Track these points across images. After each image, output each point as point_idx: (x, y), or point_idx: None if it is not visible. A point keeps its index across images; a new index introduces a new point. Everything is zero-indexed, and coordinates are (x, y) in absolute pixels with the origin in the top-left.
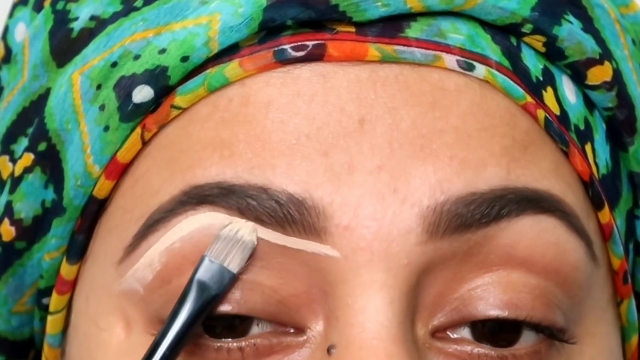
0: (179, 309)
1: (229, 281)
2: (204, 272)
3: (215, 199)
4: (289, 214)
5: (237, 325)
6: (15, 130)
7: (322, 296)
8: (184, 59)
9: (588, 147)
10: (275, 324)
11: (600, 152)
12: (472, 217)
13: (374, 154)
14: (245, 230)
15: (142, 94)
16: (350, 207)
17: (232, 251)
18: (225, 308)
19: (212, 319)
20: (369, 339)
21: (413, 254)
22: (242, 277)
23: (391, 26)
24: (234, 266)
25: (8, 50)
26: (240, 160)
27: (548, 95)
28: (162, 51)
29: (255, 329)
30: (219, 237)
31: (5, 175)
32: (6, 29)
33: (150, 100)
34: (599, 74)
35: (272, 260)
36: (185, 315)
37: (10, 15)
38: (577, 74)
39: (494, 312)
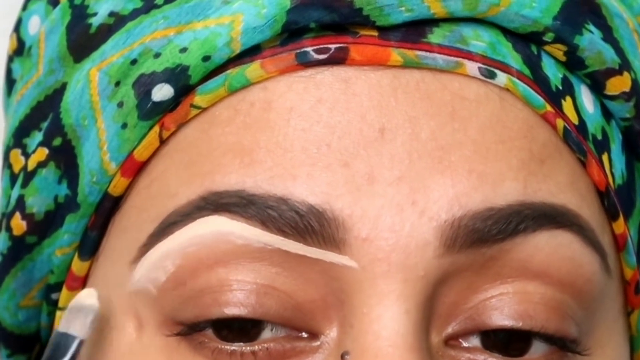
0: None
1: (76, 346)
2: (53, 345)
3: (234, 208)
4: (309, 225)
5: (249, 329)
6: (28, 124)
7: (338, 304)
8: (206, 58)
9: (605, 157)
10: (289, 328)
11: (616, 163)
12: (488, 233)
13: (394, 164)
14: (84, 296)
15: (162, 92)
16: (370, 219)
17: (75, 318)
18: (240, 311)
19: (225, 323)
20: (384, 346)
21: (430, 266)
22: (258, 282)
23: (414, 31)
24: (76, 331)
25: (21, 43)
26: (261, 168)
27: (567, 105)
28: (183, 50)
29: (267, 334)
30: (66, 310)
31: (17, 169)
32: (19, 22)
33: (170, 99)
34: (618, 84)
35: (289, 268)
36: None
37: (24, 8)
38: (596, 83)
39: (508, 322)
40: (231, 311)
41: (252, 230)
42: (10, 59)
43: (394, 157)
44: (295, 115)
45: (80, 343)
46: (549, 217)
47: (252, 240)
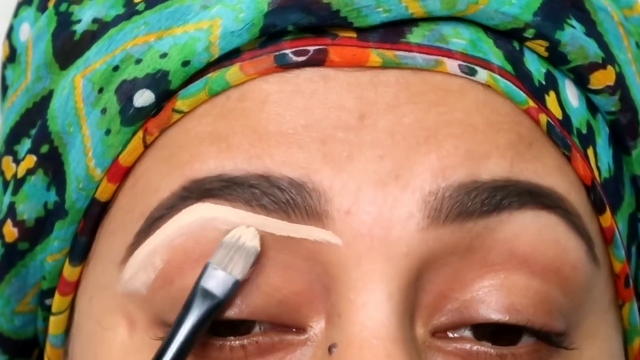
0: (184, 316)
1: (232, 287)
2: (208, 279)
3: (217, 192)
4: (291, 199)
5: (239, 324)
6: (18, 131)
7: (324, 292)
8: (185, 63)
9: (590, 151)
10: (276, 325)
11: (602, 156)
12: (473, 205)
13: (375, 145)
14: (247, 236)
15: (144, 98)
16: (351, 192)
17: (235, 258)
18: (227, 314)
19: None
20: (368, 338)
21: (413, 241)
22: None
23: (392, 31)
24: (237, 273)
25: (12, 50)
26: (238, 151)
27: (550, 100)
28: (164, 55)
29: (257, 328)
30: (221, 244)
31: (9, 176)
32: (11, 29)
33: (152, 104)
34: (602, 78)
35: (274, 257)
36: (191, 322)
37: (15, 14)
38: (580, 78)
39: (495, 316)
40: (218, 315)
41: (237, 212)
42: (4, 66)
43: (375, 139)
44: (270, 102)
45: (237, 285)
46: (533, 195)
47: (237, 224)
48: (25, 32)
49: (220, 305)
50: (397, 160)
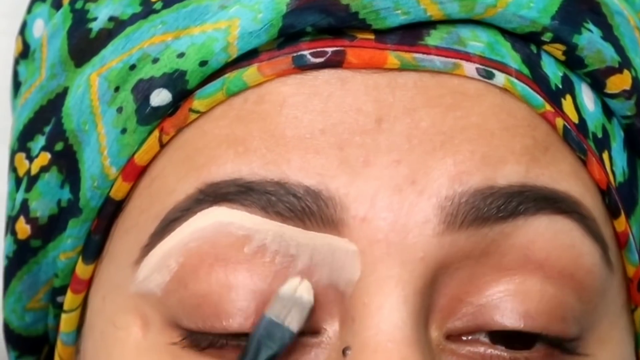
0: None
1: (289, 340)
2: (266, 331)
3: (233, 197)
4: (307, 207)
5: None
6: (32, 128)
7: (338, 296)
8: (203, 63)
9: (605, 155)
10: None
11: (617, 160)
12: (489, 211)
13: (391, 149)
14: (304, 290)
15: (160, 97)
16: (367, 199)
17: (292, 310)
18: (241, 327)
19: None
20: (383, 341)
21: (429, 246)
22: (255, 289)
23: (411, 34)
24: (294, 326)
25: (26, 46)
26: (255, 156)
27: (567, 103)
28: (181, 55)
29: None
30: (277, 296)
31: (21, 173)
32: (24, 25)
33: (168, 103)
34: (618, 83)
35: (288, 264)
36: None
37: (29, 11)
38: (597, 82)
39: (510, 324)
40: (232, 326)
41: (252, 218)
42: (16, 62)
43: (392, 143)
44: (288, 105)
45: (293, 337)
46: (549, 201)
47: (252, 231)
48: (39, 29)
49: (275, 357)
50: (413, 166)
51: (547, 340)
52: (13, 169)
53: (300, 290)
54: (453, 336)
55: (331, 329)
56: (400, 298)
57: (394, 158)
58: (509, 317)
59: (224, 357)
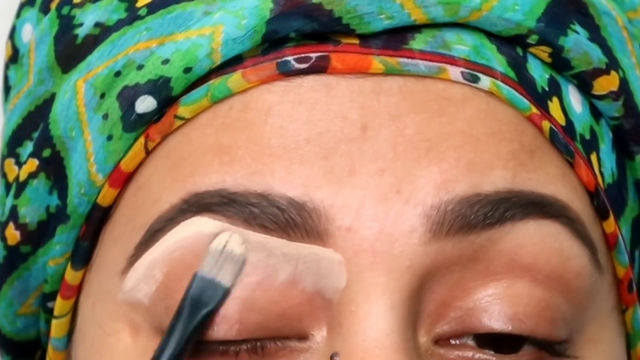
0: (175, 326)
1: (222, 296)
2: (197, 289)
3: (216, 207)
4: (290, 219)
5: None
6: (20, 134)
7: (325, 303)
8: (187, 70)
9: (593, 157)
10: (275, 339)
11: (605, 161)
12: (476, 218)
13: (377, 158)
14: (234, 243)
15: (145, 104)
16: (352, 209)
17: (224, 265)
18: (226, 335)
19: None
20: (371, 348)
21: (416, 254)
22: (240, 296)
23: (395, 38)
24: (226, 280)
25: (15, 50)
26: (240, 166)
27: (554, 106)
28: (166, 62)
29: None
30: (208, 252)
31: (11, 178)
32: (13, 29)
33: (154, 110)
34: (605, 84)
35: (272, 273)
36: (181, 332)
37: (18, 15)
38: (584, 84)
39: (498, 326)
40: (216, 335)
41: (235, 230)
42: (7, 66)
43: (377, 151)
44: (273, 114)
45: (228, 293)
46: (537, 205)
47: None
48: (27, 33)
49: (211, 313)
50: (398, 174)
51: (536, 342)
52: (3, 174)
53: (231, 244)
54: (442, 341)
55: (319, 334)
56: (388, 305)
57: (379, 167)
58: (497, 320)
59: (210, 356)
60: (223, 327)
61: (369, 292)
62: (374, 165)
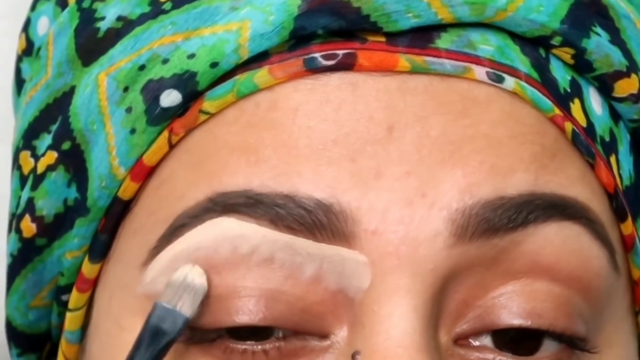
0: (134, 355)
1: (182, 325)
2: (157, 318)
3: (242, 208)
4: (317, 220)
5: (260, 329)
6: (37, 126)
7: (348, 302)
8: (214, 64)
9: (612, 159)
10: (298, 332)
11: (624, 164)
12: (499, 222)
13: (402, 160)
14: (194, 274)
15: (170, 98)
16: (378, 212)
17: (184, 295)
18: (251, 320)
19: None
20: (393, 347)
21: (440, 258)
22: (266, 287)
23: (421, 37)
24: (186, 310)
25: (30, 43)
26: (267, 166)
27: (575, 107)
28: (191, 56)
29: (277, 332)
30: (169, 284)
31: (26, 171)
32: (28, 22)
33: (178, 104)
34: (625, 87)
35: (298, 269)
36: None
37: (33, 8)
38: (604, 86)
39: (517, 321)
40: (241, 320)
41: (262, 230)
42: (20, 59)
43: (402, 153)
44: (301, 114)
45: (187, 322)
46: (558, 208)
47: (262, 242)
48: (43, 26)
49: (171, 343)
50: (423, 177)
51: (555, 336)
52: (18, 166)
53: (191, 275)
54: (461, 341)
55: (340, 334)
56: (410, 306)
57: (404, 169)
58: (515, 315)
59: (231, 355)
60: (248, 315)
61: (393, 293)
62: (399, 167)
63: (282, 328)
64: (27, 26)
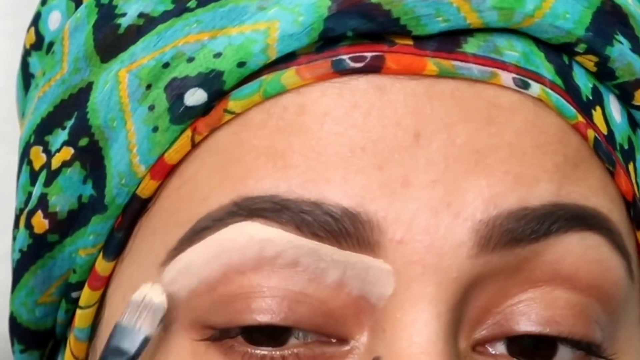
0: None
1: (141, 344)
2: (117, 338)
3: (267, 214)
4: (343, 228)
5: (279, 334)
6: (51, 122)
7: (370, 309)
8: (241, 64)
9: (631, 167)
10: (319, 334)
11: None
12: (522, 233)
13: (429, 168)
14: (154, 293)
15: (195, 97)
16: (404, 222)
17: (143, 314)
18: (272, 319)
19: (255, 328)
20: (416, 353)
21: (463, 267)
22: (290, 289)
23: (449, 41)
24: (145, 329)
25: (40, 38)
26: (295, 172)
27: (597, 115)
28: (218, 55)
29: (294, 339)
30: (129, 304)
31: (37, 166)
32: (38, 16)
33: (203, 103)
34: None
35: (322, 274)
36: None
37: (43, 3)
38: (625, 94)
39: (536, 329)
40: (263, 318)
41: (287, 236)
42: (28, 53)
43: (429, 161)
44: (330, 119)
45: (147, 341)
46: (580, 219)
47: (287, 247)
48: (55, 21)
49: None
50: (449, 187)
51: (573, 344)
52: (28, 161)
53: (150, 294)
54: (479, 347)
55: (360, 339)
56: (434, 314)
57: (431, 178)
58: (534, 323)
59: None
60: (269, 314)
61: (417, 300)
62: (426, 176)
63: (303, 330)
64: (36, 20)
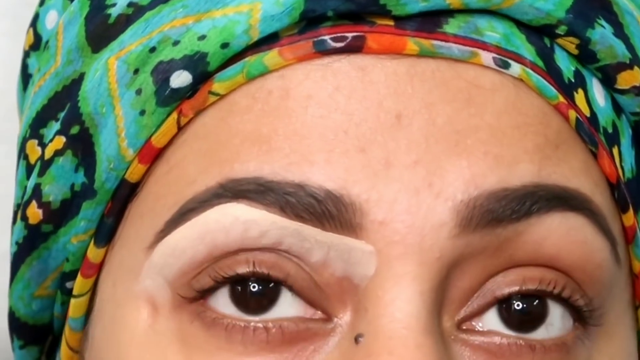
0: None
1: None
2: None
3: (252, 195)
4: (327, 210)
5: (266, 294)
6: (45, 115)
7: (353, 288)
8: (224, 45)
9: (615, 151)
10: (304, 300)
11: (626, 156)
12: (503, 213)
13: (411, 149)
14: None
15: (180, 79)
16: (386, 203)
17: None
18: (260, 268)
19: (242, 284)
20: (398, 328)
21: (445, 247)
22: (275, 260)
23: (429, 21)
24: None
25: (38, 38)
26: (278, 155)
27: (579, 97)
28: (202, 37)
29: (283, 304)
30: None
31: (33, 160)
32: (36, 17)
33: (188, 85)
34: (628, 79)
35: (306, 254)
36: None
37: (42, 3)
38: (607, 77)
39: (520, 287)
40: (250, 267)
41: (271, 217)
42: (27, 55)
43: (410, 141)
44: (313, 103)
45: None
46: (562, 199)
47: (270, 228)
48: (52, 20)
49: None
50: (430, 167)
51: (559, 299)
52: (24, 156)
53: None
54: (465, 324)
55: (344, 318)
56: (416, 292)
57: (412, 159)
58: (516, 283)
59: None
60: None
61: (398, 279)
62: (407, 157)
63: (290, 286)
64: (35, 21)
